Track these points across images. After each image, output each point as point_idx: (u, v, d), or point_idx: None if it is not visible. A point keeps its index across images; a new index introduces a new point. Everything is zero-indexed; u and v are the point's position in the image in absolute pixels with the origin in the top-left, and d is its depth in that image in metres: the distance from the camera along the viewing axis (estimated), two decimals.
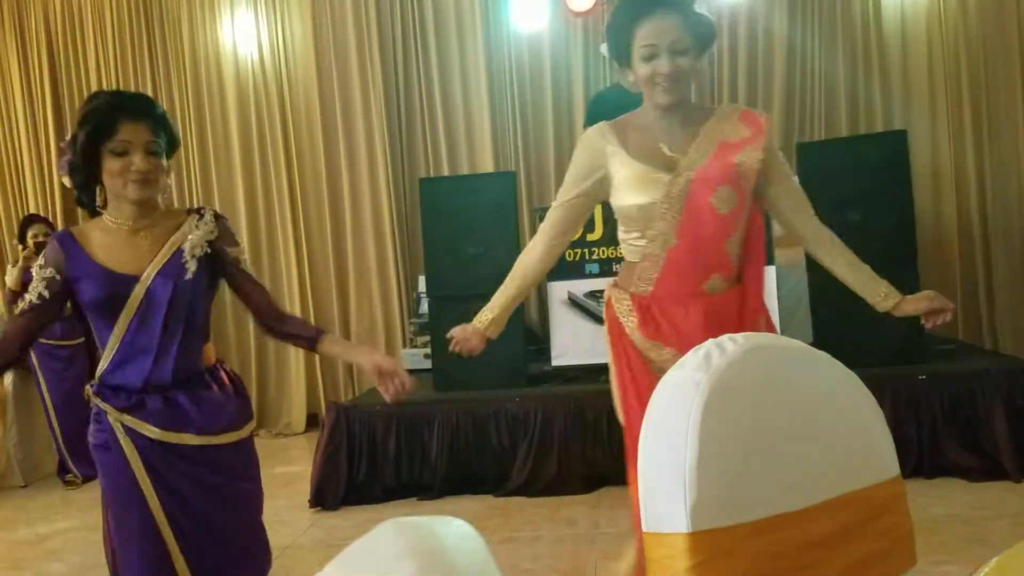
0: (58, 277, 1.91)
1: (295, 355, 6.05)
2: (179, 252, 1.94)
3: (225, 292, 2.09)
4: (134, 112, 1.91)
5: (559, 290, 4.50)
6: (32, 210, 6.06)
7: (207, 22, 6.10)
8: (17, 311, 1.96)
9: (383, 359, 2.00)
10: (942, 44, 5.49)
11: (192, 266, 1.94)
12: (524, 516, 3.76)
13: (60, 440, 4.96)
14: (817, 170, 4.09)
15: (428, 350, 4.68)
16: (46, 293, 1.91)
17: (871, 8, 5.58)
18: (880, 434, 1.09)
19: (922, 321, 1.98)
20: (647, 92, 1.96)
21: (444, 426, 4.09)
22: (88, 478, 4.82)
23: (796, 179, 2.05)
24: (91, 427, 1.96)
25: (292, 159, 6.06)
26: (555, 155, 5.84)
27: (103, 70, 6.15)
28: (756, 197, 2.00)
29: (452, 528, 0.74)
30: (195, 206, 2.07)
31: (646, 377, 2.01)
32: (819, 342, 3.76)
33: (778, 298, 4.37)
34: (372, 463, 4.12)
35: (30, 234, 5.07)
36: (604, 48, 2.04)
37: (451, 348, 2.15)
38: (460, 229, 4.36)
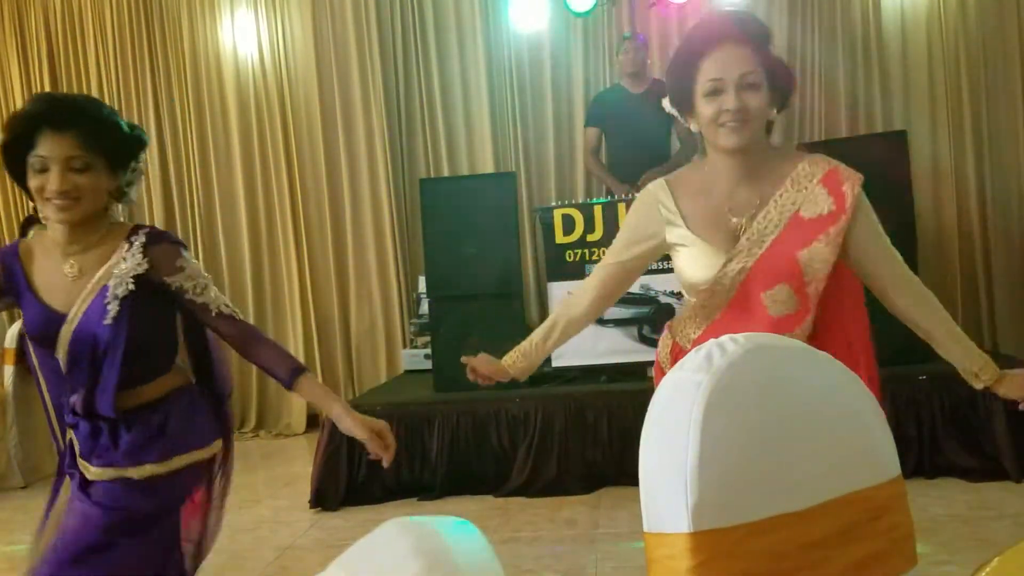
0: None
1: (296, 355, 6.03)
2: (104, 290, 1.73)
3: (223, 288, 2.01)
4: (56, 122, 1.68)
5: (559, 291, 4.50)
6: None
7: (207, 22, 6.10)
8: None
9: (374, 421, 1.80)
10: (942, 44, 5.49)
11: (113, 308, 1.72)
12: (524, 516, 3.76)
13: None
14: None
15: (428, 350, 4.68)
16: None
17: (871, 8, 5.58)
18: (881, 434, 1.09)
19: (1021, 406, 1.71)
20: (710, 136, 1.69)
21: (444, 426, 4.09)
22: None
23: (888, 245, 1.73)
24: None
25: (292, 159, 6.06)
26: (555, 156, 5.84)
27: (103, 70, 6.15)
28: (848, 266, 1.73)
29: (455, 527, 0.74)
30: (139, 224, 1.85)
31: None
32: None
33: None
34: (372, 464, 4.10)
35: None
36: (666, 102, 1.78)
37: (468, 376, 1.99)
38: (460, 229, 4.36)
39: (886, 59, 5.57)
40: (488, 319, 4.24)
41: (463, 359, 1.99)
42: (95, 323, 1.72)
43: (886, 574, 1.06)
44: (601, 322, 4.36)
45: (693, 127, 1.74)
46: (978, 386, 1.75)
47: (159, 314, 1.83)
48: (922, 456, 3.74)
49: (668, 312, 4.06)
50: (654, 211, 1.78)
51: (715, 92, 1.64)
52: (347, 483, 4.08)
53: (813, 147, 4.69)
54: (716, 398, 0.97)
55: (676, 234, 1.75)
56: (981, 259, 5.44)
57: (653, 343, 2.73)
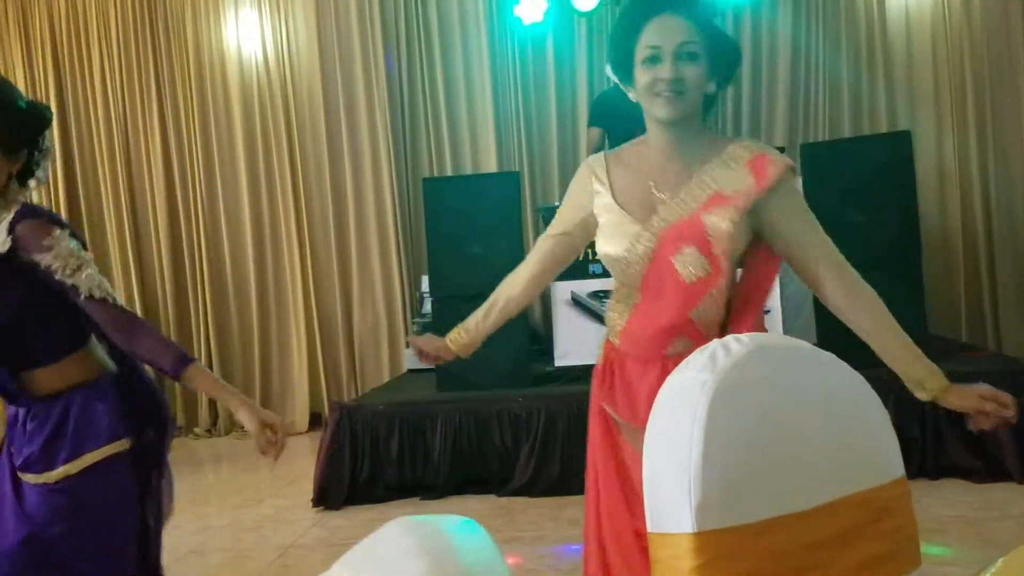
0: None
1: (298, 354, 6.06)
2: None
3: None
4: None
5: (562, 290, 4.50)
6: None
7: (211, 22, 6.11)
8: None
9: (267, 413, 1.76)
10: (947, 44, 5.48)
11: None
12: (527, 516, 3.76)
13: None
14: (821, 171, 4.09)
15: None
16: None
17: (875, 8, 5.58)
18: (885, 435, 1.09)
19: (967, 423, 1.65)
20: (647, 106, 1.67)
21: (447, 426, 4.09)
22: None
23: (825, 235, 1.66)
24: None
25: (296, 159, 6.06)
26: (559, 155, 5.85)
27: (107, 71, 6.16)
28: (767, 249, 1.70)
29: (460, 526, 0.74)
30: (27, 204, 1.77)
31: (609, 437, 1.79)
32: (823, 343, 3.75)
33: (782, 298, 4.37)
34: (375, 463, 4.12)
35: None
36: (608, 69, 1.77)
37: (416, 357, 2.01)
38: (463, 229, 4.36)
39: (891, 59, 5.57)
40: None
41: (407, 338, 2.02)
42: None
43: (890, 575, 1.06)
44: (603, 321, 4.36)
45: (632, 96, 1.71)
46: (923, 397, 1.66)
47: (36, 295, 1.73)
48: (926, 457, 3.73)
49: None
50: (587, 181, 1.78)
51: (652, 60, 1.62)
52: (350, 482, 4.08)
53: (817, 147, 4.69)
54: (720, 398, 0.97)
55: (600, 203, 1.74)
56: (985, 260, 5.43)
57: None
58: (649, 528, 1.03)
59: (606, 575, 1.75)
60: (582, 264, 4.45)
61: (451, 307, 4.41)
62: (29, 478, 1.75)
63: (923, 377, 1.64)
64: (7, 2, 6.24)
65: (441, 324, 4.47)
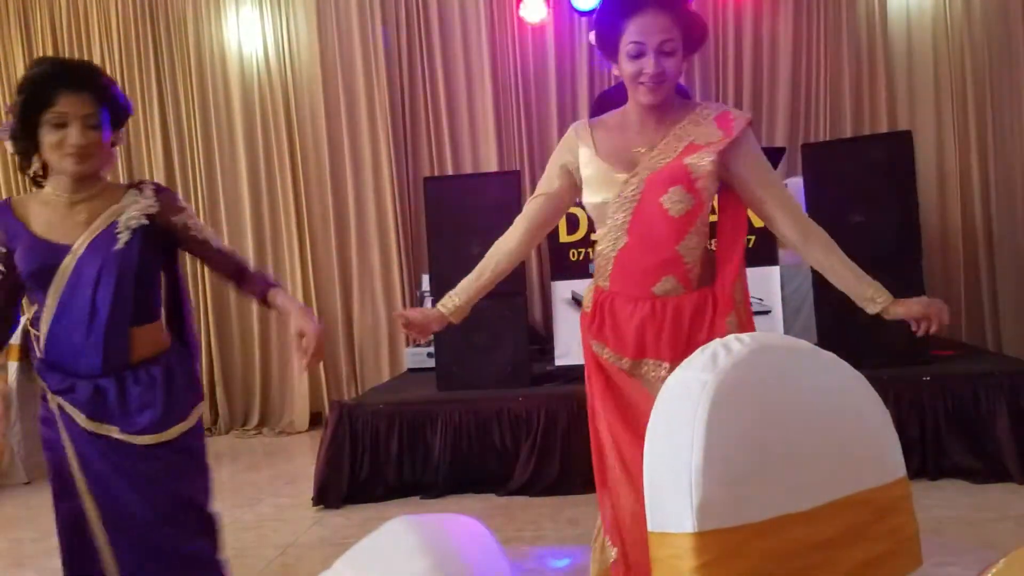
0: (3, 250, 1.90)
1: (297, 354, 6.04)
2: (113, 224, 1.89)
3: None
4: (74, 83, 1.85)
5: (563, 289, 4.50)
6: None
7: (212, 21, 6.10)
8: None
9: (308, 324, 1.93)
10: (947, 44, 5.48)
11: (124, 236, 1.88)
12: (527, 516, 3.76)
13: None
14: (822, 171, 4.09)
15: (431, 349, 4.68)
16: (2, 267, 1.89)
17: (876, 8, 5.57)
18: (886, 435, 1.09)
19: (912, 327, 1.91)
20: (630, 90, 1.93)
21: (447, 425, 4.09)
22: None
23: (780, 179, 2.01)
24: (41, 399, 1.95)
25: (296, 158, 6.06)
26: None
27: (108, 69, 6.15)
28: (735, 196, 1.98)
29: (462, 525, 0.74)
30: (137, 180, 2.03)
31: (601, 375, 2.02)
32: (823, 343, 3.76)
33: (782, 299, 4.37)
34: (375, 462, 4.12)
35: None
36: (592, 36, 2.00)
37: (403, 329, 2.09)
38: (464, 228, 4.35)
39: (891, 59, 5.56)
40: (491, 317, 4.24)
41: (394, 314, 2.10)
42: (102, 250, 1.85)
43: (891, 575, 1.06)
44: None
45: (615, 71, 1.95)
46: (874, 309, 1.89)
47: (157, 258, 1.98)
48: (925, 458, 3.73)
49: None
50: (571, 141, 2.00)
51: (637, 55, 1.85)
52: (349, 481, 4.08)
53: (817, 147, 4.68)
54: (721, 398, 0.97)
55: (584, 157, 1.96)
56: (985, 260, 5.43)
57: None
58: (650, 528, 1.03)
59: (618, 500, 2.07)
60: (582, 263, 4.45)
61: None
62: (147, 439, 1.87)
63: (873, 294, 1.89)
64: (8, 1, 6.24)
65: None
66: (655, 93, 1.87)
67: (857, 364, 1.11)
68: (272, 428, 6.03)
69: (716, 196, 1.98)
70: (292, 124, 6.05)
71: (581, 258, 4.45)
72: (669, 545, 0.98)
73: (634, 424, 1.93)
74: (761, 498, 0.97)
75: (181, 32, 6.12)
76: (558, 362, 4.43)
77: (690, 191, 1.87)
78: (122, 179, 6.04)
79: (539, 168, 5.84)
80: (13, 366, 5.04)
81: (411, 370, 5.25)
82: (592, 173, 1.95)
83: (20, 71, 6.23)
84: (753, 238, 4.14)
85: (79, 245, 1.86)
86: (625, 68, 1.89)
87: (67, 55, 6.19)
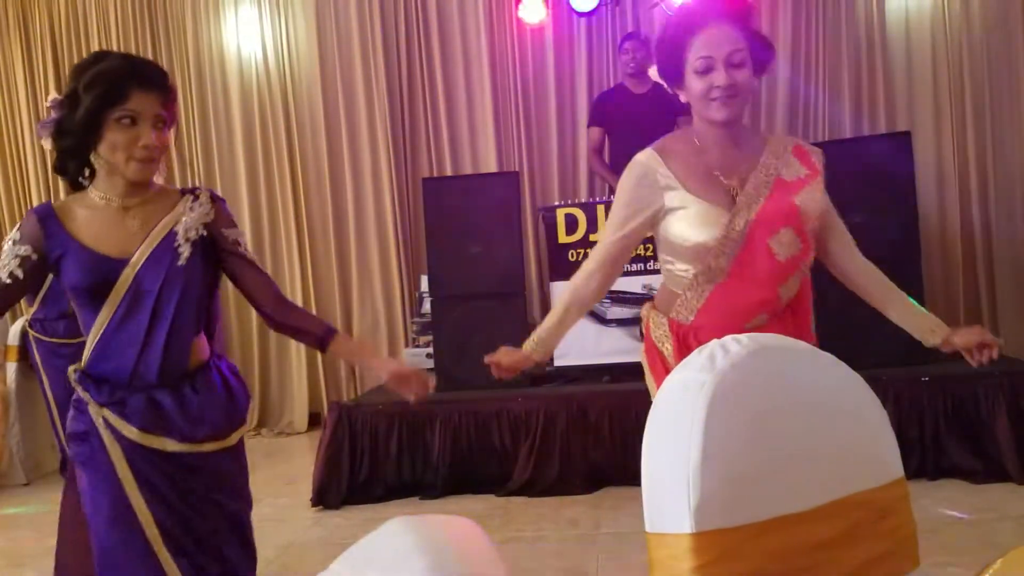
0: (34, 256, 1.76)
1: (297, 354, 6.06)
2: (172, 235, 1.78)
3: (227, 287, 2.00)
4: (148, 81, 1.73)
5: (562, 290, 4.49)
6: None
7: (211, 21, 6.11)
8: None
9: (399, 366, 1.90)
10: (946, 45, 5.48)
11: (186, 250, 1.78)
12: (526, 516, 3.76)
13: (63, 438, 4.96)
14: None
15: (430, 350, 4.69)
16: (19, 272, 1.75)
17: (875, 8, 5.57)
18: (884, 436, 1.09)
19: (967, 357, 1.89)
20: (700, 109, 1.83)
21: (446, 426, 4.09)
22: None
23: (835, 212, 1.96)
24: (70, 413, 1.82)
25: (295, 158, 6.06)
26: (558, 155, 5.84)
27: None
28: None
29: (458, 526, 0.74)
30: (191, 186, 1.90)
31: None
32: (822, 343, 3.74)
33: None
34: (374, 462, 4.12)
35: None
36: (654, 70, 1.94)
37: (494, 373, 2.03)
38: (463, 229, 4.36)
39: (890, 59, 5.56)
40: (490, 318, 4.24)
41: (486, 359, 2.02)
42: (164, 265, 1.76)
43: (889, 575, 1.06)
44: (603, 322, 4.36)
45: (683, 98, 1.87)
46: (933, 341, 1.90)
47: (213, 267, 1.89)
48: (925, 458, 3.73)
49: None
50: (651, 178, 1.86)
51: (706, 70, 1.78)
52: (349, 482, 4.08)
53: (817, 147, 4.68)
54: (719, 398, 0.97)
55: (675, 198, 1.84)
56: (984, 259, 5.43)
57: None
58: (648, 528, 1.03)
59: None
60: (581, 263, 4.44)
61: (450, 307, 4.42)
62: (210, 446, 1.82)
63: (933, 325, 1.90)
64: (7, 2, 6.24)
65: (440, 324, 4.50)
66: (728, 107, 1.79)
67: (856, 365, 1.10)
68: (271, 429, 6.03)
69: None
70: (291, 125, 6.05)
71: (580, 258, 4.44)
72: (667, 546, 0.98)
73: None
74: (759, 498, 0.97)
75: (180, 34, 6.12)
76: (558, 363, 4.44)
77: (799, 235, 1.81)
78: None
79: (538, 168, 5.88)
80: (12, 367, 5.04)
81: None
82: (692, 212, 1.82)
83: (19, 74, 6.23)
84: None
85: (138, 258, 1.75)
86: (693, 87, 1.80)
87: (66, 58, 6.20)
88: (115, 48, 6.11)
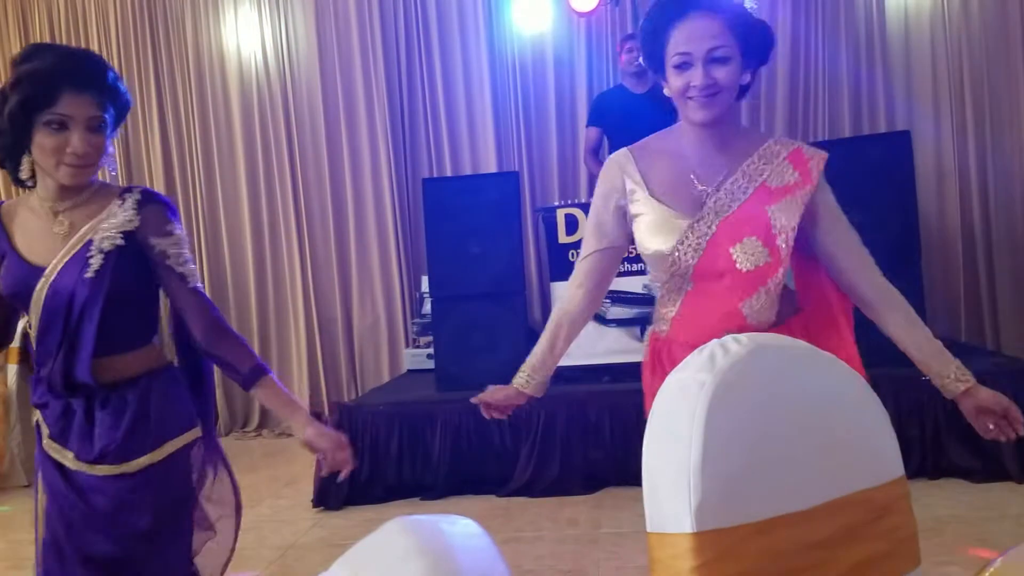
0: None
1: (297, 355, 6.06)
2: (88, 244, 1.64)
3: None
4: (81, 82, 1.60)
5: (562, 290, 4.48)
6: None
7: (210, 22, 6.11)
8: None
9: (317, 434, 1.69)
10: (946, 44, 5.48)
11: (96, 262, 1.63)
12: (526, 516, 3.76)
13: None
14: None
15: (431, 350, 4.69)
16: None
17: (875, 7, 5.57)
18: (884, 435, 1.09)
19: (982, 421, 1.65)
20: (680, 108, 1.68)
21: (446, 426, 4.09)
22: None
23: (849, 225, 1.72)
24: None
25: (295, 159, 6.06)
26: (558, 156, 5.84)
27: None
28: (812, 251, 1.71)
29: (459, 527, 0.74)
30: (130, 185, 1.77)
31: None
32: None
33: None
34: (374, 463, 4.12)
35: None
36: (643, 60, 1.76)
37: (483, 413, 1.88)
38: (463, 229, 4.35)
39: (890, 59, 5.56)
40: (490, 319, 4.24)
41: (472, 400, 1.88)
42: (74, 278, 1.63)
43: (889, 574, 1.06)
44: (603, 322, 4.36)
45: (666, 91, 1.70)
46: (954, 390, 1.67)
47: (142, 277, 1.72)
48: (925, 457, 3.73)
49: None
50: (615, 179, 1.74)
51: (683, 66, 1.61)
52: (349, 482, 4.06)
53: (816, 147, 4.67)
54: (719, 398, 0.97)
55: (638, 200, 1.70)
56: (984, 260, 5.42)
57: None
58: (648, 528, 1.03)
59: None
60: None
61: (450, 307, 4.41)
62: (103, 469, 1.67)
63: (957, 373, 1.66)
64: (7, 2, 6.24)
65: (441, 324, 4.50)
66: (707, 108, 1.61)
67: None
68: (272, 430, 6.02)
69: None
70: (291, 125, 6.05)
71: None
72: (668, 545, 0.98)
73: None
74: (759, 498, 0.97)
75: (180, 34, 6.12)
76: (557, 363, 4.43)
77: (767, 245, 1.62)
78: (121, 182, 6.05)
79: (538, 169, 5.87)
80: (13, 369, 5.04)
81: (411, 371, 5.25)
82: (651, 219, 1.68)
83: None
84: None
85: (51, 269, 1.64)
86: (673, 83, 1.64)
87: None
88: (115, 48, 6.12)
